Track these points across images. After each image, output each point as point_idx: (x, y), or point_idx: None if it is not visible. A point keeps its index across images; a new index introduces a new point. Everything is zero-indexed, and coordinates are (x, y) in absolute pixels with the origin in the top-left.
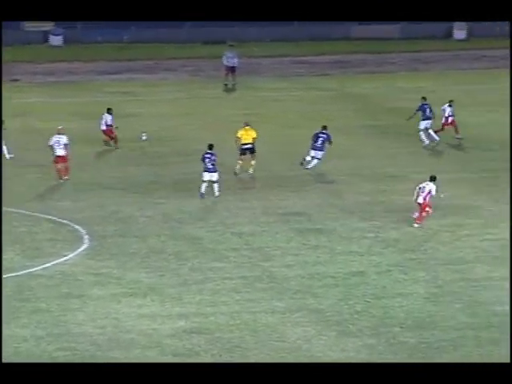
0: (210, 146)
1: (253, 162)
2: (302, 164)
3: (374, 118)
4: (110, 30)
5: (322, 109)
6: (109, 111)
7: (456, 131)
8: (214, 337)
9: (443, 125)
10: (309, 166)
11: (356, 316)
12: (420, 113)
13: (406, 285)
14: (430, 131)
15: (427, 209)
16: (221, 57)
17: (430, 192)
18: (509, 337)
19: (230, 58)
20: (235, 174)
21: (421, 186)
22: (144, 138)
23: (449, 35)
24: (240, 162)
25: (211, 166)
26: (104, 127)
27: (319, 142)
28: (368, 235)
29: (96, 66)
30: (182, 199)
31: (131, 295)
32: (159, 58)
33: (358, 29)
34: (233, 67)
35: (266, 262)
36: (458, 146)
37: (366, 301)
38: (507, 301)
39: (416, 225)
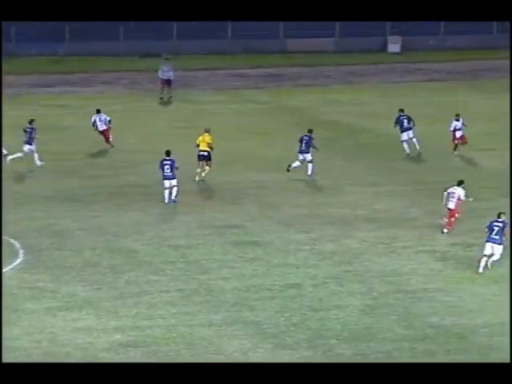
0: (168, 153)
1: (206, 168)
2: (288, 170)
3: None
4: (45, 43)
5: (258, 122)
6: (98, 111)
7: (461, 144)
8: (150, 350)
9: (454, 140)
10: (309, 173)
11: (292, 328)
12: (398, 125)
13: (342, 297)
14: (414, 140)
15: (457, 214)
16: (156, 70)
17: (459, 197)
18: (444, 349)
19: (165, 72)
20: (195, 181)
21: (449, 191)
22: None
23: (383, 48)
24: (198, 169)
25: (170, 173)
26: (103, 127)
27: (303, 145)
28: (304, 247)
29: (31, 79)
30: (118, 212)
31: (67, 309)
32: (95, 71)
33: (292, 42)
34: (168, 80)
35: (203, 275)
36: (393, 159)
37: (303, 313)
38: (442, 312)
39: (445, 230)
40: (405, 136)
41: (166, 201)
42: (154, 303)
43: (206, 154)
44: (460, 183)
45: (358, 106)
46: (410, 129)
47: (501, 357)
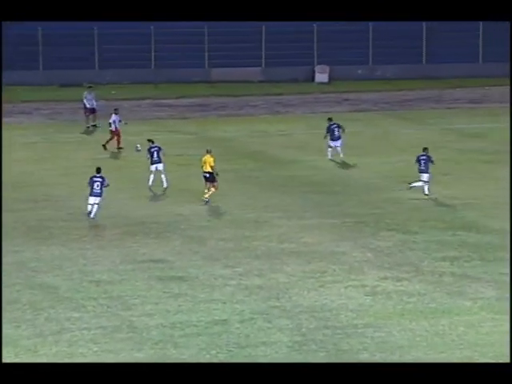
0: (98, 170)
1: (212, 189)
2: (409, 188)
3: (236, 161)
4: None
5: (183, 152)
6: (116, 111)
7: None
8: None
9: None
10: (426, 192)
11: None
12: (329, 134)
13: (269, 333)
14: (339, 149)
15: None
16: (78, 100)
17: None
18: None
19: (89, 100)
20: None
21: None
22: (139, 148)
23: (311, 78)
24: (206, 190)
25: (99, 191)
26: (115, 127)
27: (422, 165)
28: (231, 282)
29: None
30: (38, 246)
31: None
32: (14, 101)
33: (217, 71)
34: (93, 109)
35: (126, 311)
36: (321, 191)
37: (229, 350)
38: (372, 349)
39: None
40: (332, 144)
41: (91, 215)
42: (75, 341)
43: (208, 175)
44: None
45: (285, 137)
46: (340, 138)
47: None
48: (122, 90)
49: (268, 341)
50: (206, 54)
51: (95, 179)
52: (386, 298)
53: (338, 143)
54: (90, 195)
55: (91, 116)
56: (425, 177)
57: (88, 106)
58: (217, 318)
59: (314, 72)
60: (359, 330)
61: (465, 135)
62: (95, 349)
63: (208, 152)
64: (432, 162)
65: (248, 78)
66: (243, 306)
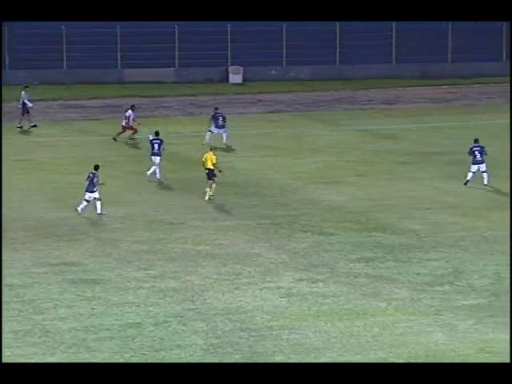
0: (96, 167)
1: (213, 186)
2: (465, 184)
3: (147, 163)
4: None
5: (96, 154)
6: (132, 108)
7: None
8: None
9: None
10: (485, 182)
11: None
12: (213, 121)
13: (184, 336)
14: (224, 135)
15: None
16: None
17: None
18: None
19: (25, 99)
20: (204, 199)
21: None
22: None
23: (224, 79)
24: (207, 188)
25: (95, 187)
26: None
27: (478, 156)
28: (145, 285)
29: None
30: None
31: None
32: None
33: (130, 72)
34: (27, 109)
35: (38, 315)
36: (236, 193)
37: (143, 353)
38: (288, 351)
39: None
40: (215, 130)
41: (80, 209)
42: None
43: (209, 171)
44: None
45: (199, 138)
46: (223, 127)
47: None
48: (33, 91)
49: (183, 344)
50: (119, 54)
51: (91, 175)
52: (301, 299)
53: (222, 130)
54: (87, 191)
55: (26, 116)
56: (482, 167)
57: (29, 105)
58: (130, 321)
59: (227, 73)
60: (274, 332)
61: (379, 136)
62: (8, 353)
63: (211, 149)
64: (486, 152)
65: (161, 78)
66: (157, 308)
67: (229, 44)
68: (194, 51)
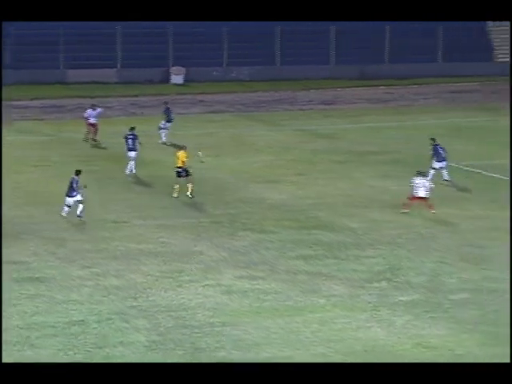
0: (78, 172)
1: (188, 185)
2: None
3: (94, 163)
4: None
5: (39, 154)
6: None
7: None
8: None
9: None
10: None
11: None
12: (164, 116)
13: (127, 333)
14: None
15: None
16: None
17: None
18: None
19: None
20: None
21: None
22: (200, 154)
23: (166, 79)
24: (176, 185)
25: (75, 191)
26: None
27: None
28: (88, 283)
29: None
30: None
31: None
32: None
33: (73, 73)
34: None
35: None
36: (178, 192)
37: (87, 350)
38: (229, 347)
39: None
40: (164, 125)
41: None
42: None
43: (180, 170)
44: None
45: (142, 138)
46: (171, 121)
47: None
48: None
49: (125, 341)
50: (62, 54)
51: (73, 181)
52: (242, 296)
53: (169, 125)
54: (67, 196)
55: None
56: (443, 164)
57: None
58: (74, 318)
59: (169, 73)
60: (216, 329)
61: (318, 136)
62: None
63: (182, 148)
64: (445, 151)
65: (104, 79)
66: (101, 306)
67: (170, 45)
68: (136, 52)
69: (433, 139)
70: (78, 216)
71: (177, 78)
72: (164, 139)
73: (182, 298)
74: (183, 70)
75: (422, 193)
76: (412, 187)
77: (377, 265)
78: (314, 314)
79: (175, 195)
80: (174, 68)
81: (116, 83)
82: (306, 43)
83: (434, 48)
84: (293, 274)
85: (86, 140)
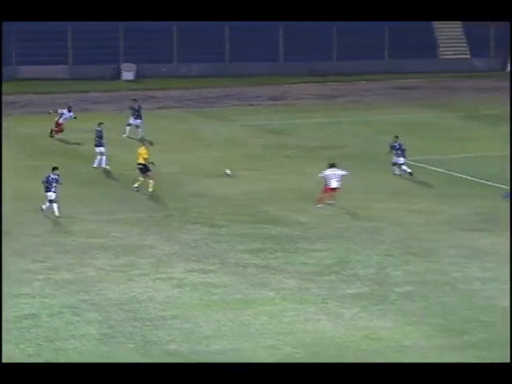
0: (54, 168)
1: (149, 181)
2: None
3: (45, 159)
4: None
5: None
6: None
7: None
8: None
9: None
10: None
11: (28, 360)
12: (131, 111)
13: (78, 326)
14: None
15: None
16: None
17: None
18: None
19: None
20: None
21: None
22: (228, 172)
23: (117, 76)
24: (140, 177)
25: (53, 187)
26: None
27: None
28: (39, 277)
29: None
30: None
31: None
32: None
33: (25, 69)
34: None
35: None
36: (128, 187)
37: (38, 344)
38: (180, 339)
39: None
40: (132, 121)
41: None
42: None
43: (141, 166)
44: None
45: (92, 134)
46: (140, 118)
47: None
48: None
49: (77, 334)
50: (14, 52)
51: (51, 178)
52: (192, 289)
53: (138, 121)
54: (47, 191)
55: None
56: (401, 160)
57: None
58: (26, 312)
59: (120, 70)
60: (167, 322)
61: (267, 131)
62: None
63: (143, 144)
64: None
65: (55, 75)
66: (52, 300)
67: (121, 41)
68: (88, 49)
69: (396, 136)
70: (57, 216)
71: (127, 75)
72: (128, 134)
73: (133, 291)
74: (134, 66)
75: (334, 183)
76: (324, 179)
77: (325, 258)
78: (264, 307)
79: (136, 185)
80: (125, 64)
81: (67, 79)
82: (255, 40)
83: (380, 45)
84: (243, 267)
85: (51, 136)
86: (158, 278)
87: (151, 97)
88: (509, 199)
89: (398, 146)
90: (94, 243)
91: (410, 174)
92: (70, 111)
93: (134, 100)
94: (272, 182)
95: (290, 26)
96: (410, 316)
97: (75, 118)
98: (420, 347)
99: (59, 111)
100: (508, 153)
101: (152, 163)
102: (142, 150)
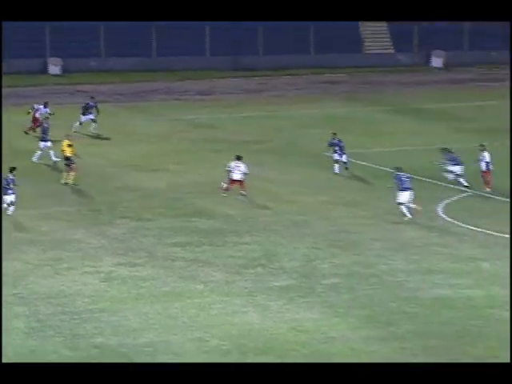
0: (11, 169)
1: (70, 173)
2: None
3: None
4: None
5: None
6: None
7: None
8: None
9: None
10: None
11: None
12: (82, 109)
13: (6, 320)
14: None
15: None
16: None
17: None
18: None
19: None
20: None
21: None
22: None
23: (44, 70)
24: (65, 173)
25: (9, 188)
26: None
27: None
28: None
29: None
30: None
31: None
32: None
33: None
34: None
35: None
36: (57, 181)
37: None
38: (108, 332)
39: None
40: (84, 119)
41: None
42: None
43: (64, 158)
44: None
45: (20, 127)
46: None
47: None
48: None
49: (5, 327)
50: None
51: (8, 180)
52: (120, 283)
53: (90, 116)
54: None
55: None
56: (344, 157)
57: None
58: None
59: (47, 64)
60: (95, 315)
61: (195, 126)
62: None
63: (67, 137)
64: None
65: None
66: None
67: (48, 36)
68: (15, 42)
69: (334, 133)
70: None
71: (55, 69)
72: (77, 128)
73: (61, 285)
74: (61, 60)
75: (236, 176)
76: (228, 171)
77: (253, 251)
78: (192, 300)
79: (62, 182)
80: (52, 59)
81: None
82: (182, 34)
83: (306, 40)
84: (171, 260)
85: (26, 133)
86: (86, 272)
87: (79, 91)
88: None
89: (337, 143)
90: (23, 237)
91: (346, 168)
92: (45, 107)
93: (92, 98)
94: (200, 176)
95: (216, 22)
96: (336, 308)
97: (52, 114)
98: (347, 339)
99: (35, 106)
100: (434, 146)
101: (75, 155)
102: (66, 143)
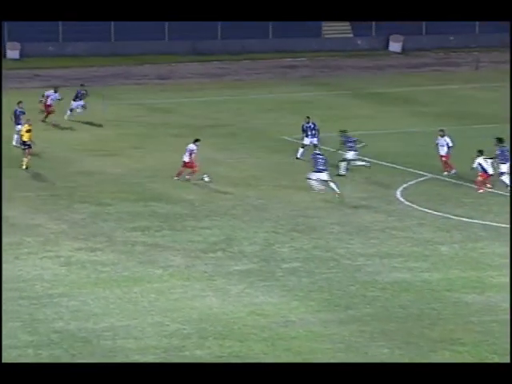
0: None
1: (24, 158)
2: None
3: None
4: None
5: None
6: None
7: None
8: None
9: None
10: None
11: None
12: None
13: None
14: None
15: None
16: None
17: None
18: (69, 353)
19: None
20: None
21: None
22: (206, 179)
23: (2, 55)
24: (23, 158)
25: None
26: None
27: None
28: None
29: None
30: None
31: None
32: None
33: None
34: None
35: None
36: (14, 166)
37: None
38: (67, 317)
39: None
40: (75, 106)
41: None
42: None
43: (22, 143)
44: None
45: None
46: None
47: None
48: None
49: None
50: None
51: None
52: (80, 268)
53: (80, 105)
54: None
55: None
56: (314, 140)
57: None
58: None
59: (4, 48)
60: (54, 300)
61: (154, 110)
62: None
63: (27, 122)
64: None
65: None
66: None
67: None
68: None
69: (308, 117)
70: None
71: (12, 54)
72: (69, 116)
73: (20, 270)
74: (18, 45)
75: (186, 158)
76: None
77: (212, 235)
78: (152, 284)
79: (23, 167)
80: (10, 43)
81: None
82: None
83: (265, 24)
84: (130, 245)
85: (43, 121)
86: (45, 257)
87: (36, 75)
88: None
89: (312, 126)
90: None
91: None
92: (56, 92)
93: (82, 85)
94: (159, 160)
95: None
96: (296, 291)
97: (62, 99)
98: (306, 322)
99: (45, 93)
100: (392, 130)
101: (31, 141)
102: (25, 128)
